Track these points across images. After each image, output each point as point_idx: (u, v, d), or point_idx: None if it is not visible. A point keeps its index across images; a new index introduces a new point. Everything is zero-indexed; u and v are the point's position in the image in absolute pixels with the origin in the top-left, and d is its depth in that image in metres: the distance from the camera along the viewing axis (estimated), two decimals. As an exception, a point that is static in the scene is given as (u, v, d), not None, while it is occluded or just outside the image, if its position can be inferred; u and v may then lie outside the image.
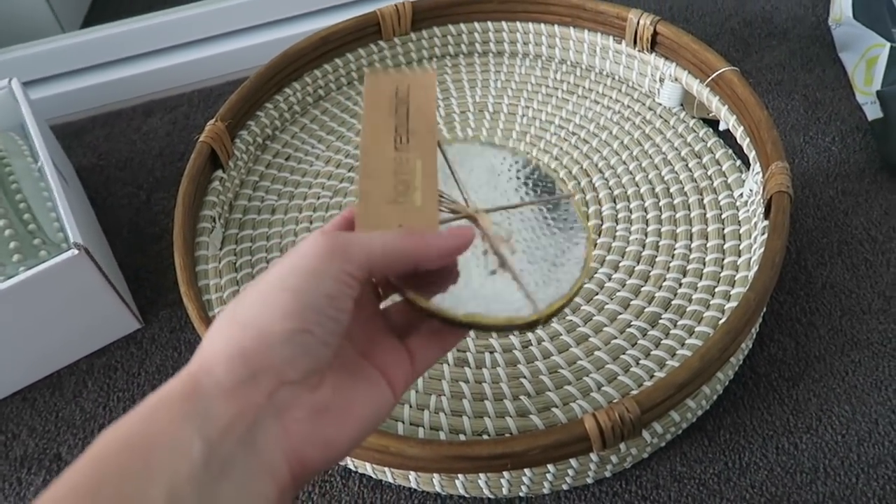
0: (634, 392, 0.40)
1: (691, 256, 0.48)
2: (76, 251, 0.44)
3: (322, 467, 0.24)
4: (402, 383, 0.28)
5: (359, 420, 0.25)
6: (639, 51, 0.57)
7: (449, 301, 0.28)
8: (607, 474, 0.42)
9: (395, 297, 0.30)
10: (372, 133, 0.31)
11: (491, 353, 0.45)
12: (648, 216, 0.51)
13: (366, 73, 0.36)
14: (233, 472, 0.21)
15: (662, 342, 0.44)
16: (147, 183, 0.62)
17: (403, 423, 0.42)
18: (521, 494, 0.41)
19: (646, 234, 0.50)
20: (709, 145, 0.55)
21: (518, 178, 0.34)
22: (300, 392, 0.23)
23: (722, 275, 0.47)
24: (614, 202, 0.52)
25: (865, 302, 0.48)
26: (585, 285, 0.48)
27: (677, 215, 0.51)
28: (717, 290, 0.46)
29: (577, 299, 0.47)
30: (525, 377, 0.43)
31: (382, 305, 0.30)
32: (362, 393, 0.26)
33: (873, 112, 0.57)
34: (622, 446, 0.38)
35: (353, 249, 0.24)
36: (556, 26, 0.61)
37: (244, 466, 0.21)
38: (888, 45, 0.55)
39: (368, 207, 0.29)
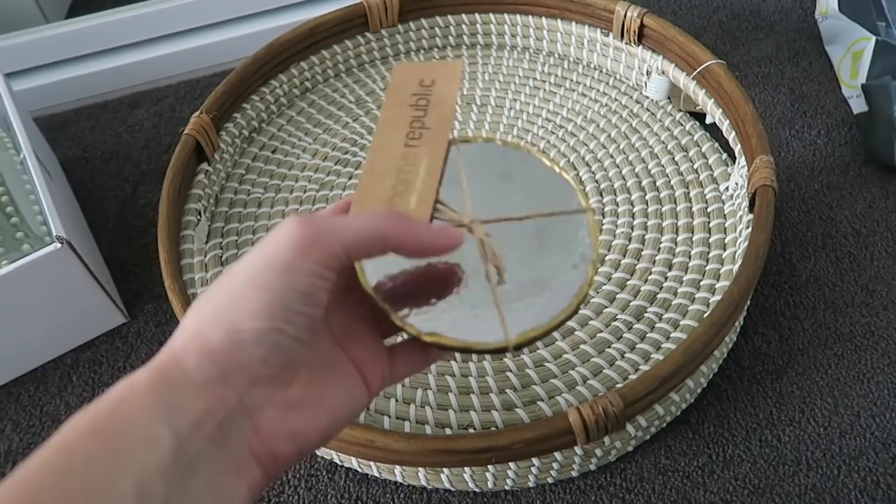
0: (619, 385, 0.41)
1: (677, 250, 0.49)
2: (59, 244, 0.43)
3: (295, 459, 0.24)
4: (378, 384, 0.27)
5: (331, 413, 0.25)
6: (626, 43, 0.57)
7: (417, 315, 0.27)
8: (592, 467, 0.42)
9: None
10: (386, 126, 0.30)
11: (466, 355, 0.45)
12: (635, 209, 0.51)
13: (394, 65, 0.33)
14: (202, 468, 0.21)
15: (647, 336, 0.44)
16: (133, 175, 0.62)
17: (389, 417, 0.42)
18: (506, 488, 0.42)
19: (632, 228, 0.50)
20: (695, 139, 0.55)
21: (533, 185, 0.30)
22: (271, 390, 0.23)
23: (707, 268, 0.47)
24: (601, 195, 0.52)
25: (849, 295, 0.48)
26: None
27: (663, 209, 0.51)
28: (702, 283, 0.47)
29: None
30: (511, 371, 0.44)
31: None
32: (335, 386, 0.25)
33: (859, 105, 0.57)
34: (606, 440, 0.38)
35: (326, 238, 0.23)
36: (543, 18, 0.61)
37: (213, 463, 0.21)
38: (874, 38, 0.55)
39: (362, 207, 0.28)
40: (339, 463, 0.43)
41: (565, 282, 0.28)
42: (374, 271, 0.27)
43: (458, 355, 0.44)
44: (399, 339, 0.29)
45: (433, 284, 0.28)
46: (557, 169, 0.30)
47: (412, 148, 0.29)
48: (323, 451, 0.43)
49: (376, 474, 0.42)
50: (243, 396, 0.22)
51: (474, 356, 0.44)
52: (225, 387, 0.22)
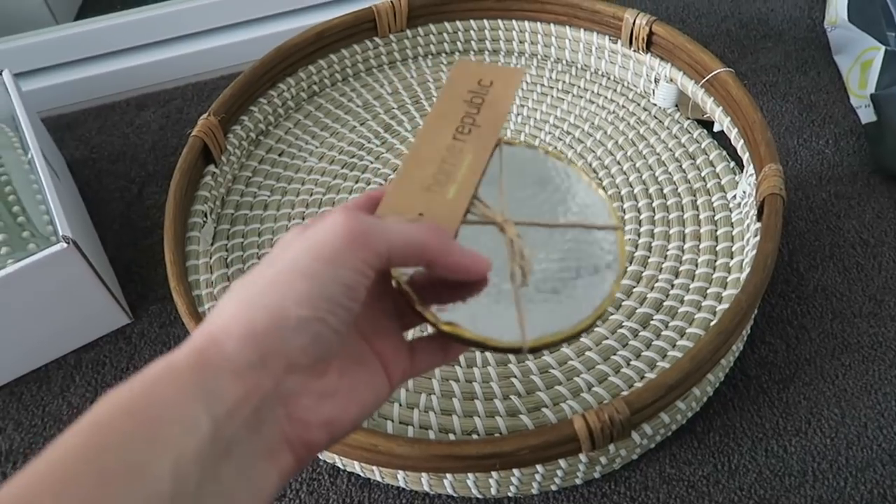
0: (625, 393, 0.40)
1: (684, 258, 0.48)
2: (65, 244, 0.43)
3: (326, 447, 0.24)
4: (399, 377, 0.27)
5: (360, 404, 0.25)
6: (634, 51, 0.57)
7: (439, 307, 0.27)
8: (596, 475, 0.42)
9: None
10: (437, 117, 0.31)
11: (482, 351, 0.45)
12: (642, 217, 0.51)
13: (457, 60, 0.34)
14: (236, 453, 0.20)
15: (653, 343, 0.44)
16: (139, 177, 0.62)
17: (393, 421, 0.42)
18: (509, 494, 0.41)
19: (639, 235, 0.50)
20: (703, 146, 0.55)
21: (569, 196, 0.31)
22: (307, 379, 0.23)
23: (714, 276, 0.47)
24: (608, 202, 0.52)
25: (856, 305, 0.48)
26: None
27: (670, 216, 0.51)
28: (708, 291, 0.46)
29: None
30: (516, 377, 0.43)
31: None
32: (364, 378, 0.25)
33: (867, 115, 0.57)
34: (611, 447, 0.38)
35: (374, 238, 0.23)
36: (552, 25, 0.61)
37: (247, 449, 0.21)
38: (883, 48, 0.55)
39: (401, 189, 0.28)
40: (342, 467, 0.43)
41: (588, 293, 0.28)
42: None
43: (464, 359, 0.44)
44: (418, 334, 0.29)
45: (461, 284, 0.28)
46: (594, 185, 0.31)
47: (459, 142, 0.30)
48: (326, 456, 0.43)
49: (379, 479, 0.42)
50: (280, 383, 0.22)
51: (488, 354, 0.44)
52: (263, 373, 0.22)
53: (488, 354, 0.44)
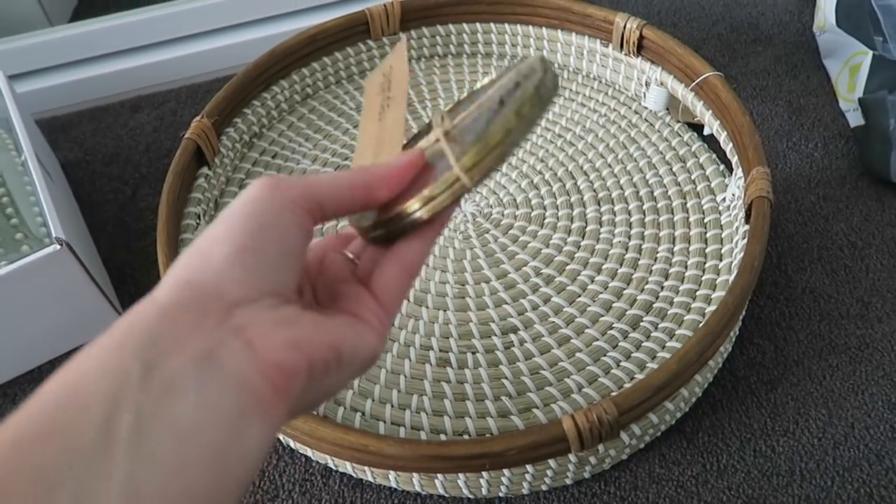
0: (614, 394, 0.41)
1: (673, 260, 0.49)
2: (58, 246, 0.44)
3: (304, 373, 0.22)
4: (375, 320, 0.26)
5: (334, 333, 0.23)
6: (625, 54, 0.58)
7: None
8: (586, 475, 0.42)
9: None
10: (365, 120, 0.33)
11: (473, 353, 0.45)
12: (632, 219, 0.51)
13: (366, 78, 0.36)
14: (185, 387, 0.19)
15: (643, 345, 0.45)
16: (133, 179, 0.62)
17: (385, 422, 0.42)
18: (500, 495, 0.42)
19: (629, 237, 0.50)
20: (693, 149, 0.55)
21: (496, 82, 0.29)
22: (256, 310, 0.22)
23: (703, 278, 0.47)
24: (598, 205, 0.53)
25: (844, 307, 0.49)
26: (567, 285, 0.48)
27: (660, 219, 0.51)
28: (698, 293, 0.47)
29: (559, 300, 0.47)
30: (507, 378, 0.44)
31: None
32: (332, 323, 0.24)
33: (855, 119, 0.58)
34: (600, 448, 0.38)
35: (291, 182, 0.24)
36: (543, 28, 0.61)
37: (200, 382, 0.20)
38: (871, 52, 0.56)
39: None
40: (334, 468, 0.43)
41: (511, 100, 0.26)
42: None
43: (455, 360, 0.45)
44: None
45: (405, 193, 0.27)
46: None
47: (383, 120, 0.31)
48: (318, 456, 0.43)
49: (371, 479, 0.42)
50: (225, 320, 0.21)
51: (479, 356, 0.44)
52: (202, 312, 0.21)
53: (480, 356, 0.45)
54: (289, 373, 0.21)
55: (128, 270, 0.55)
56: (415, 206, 0.26)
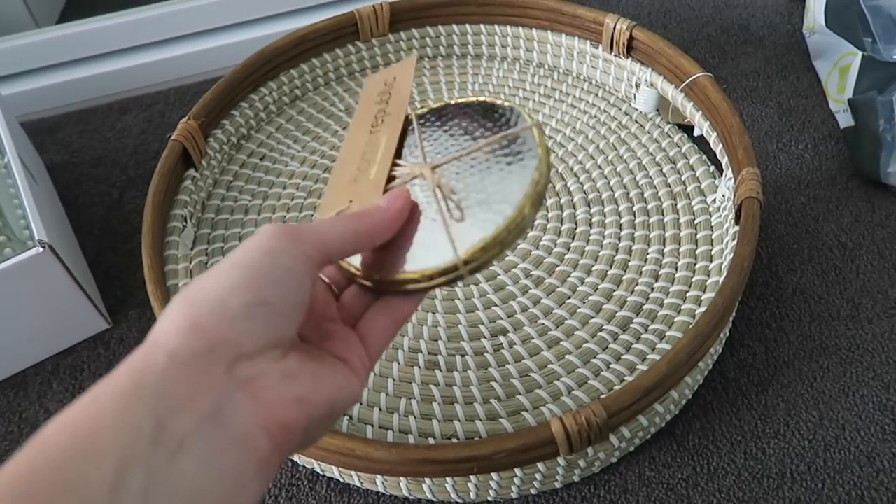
0: (604, 396, 0.40)
1: (664, 261, 0.49)
2: (41, 249, 0.43)
3: (304, 434, 0.23)
4: (361, 367, 0.26)
5: (329, 390, 0.24)
6: (615, 55, 0.58)
7: (378, 268, 0.28)
8: (576, 479, 0.42)
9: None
10: (356, 126, 0.32)
11: (462, 356, 0.45)
12: (622, 220, 0.51)
13: (367, 77, 0.36)
14: (195, 448, 0.19)
15: (633, 346, 0.44)
16: (120, 181, 0.61)
17: (373, 426, 0.42)
18: (489, 499, 0.41)
19: (619, 239, 0.50)
20: (683, 150, 0.55)
21: (479, 123, 0.31)
22: (263, 363, 0.22)
23: (694, 280, 0.47)
24: (588, 206, 0.52)
25: (834, 308, 0.49)
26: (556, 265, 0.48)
27: (651, 220, 0.51)
28: (688, 294, 0.47)
29: (549, 301, 0.47)
30: (496, 381, 0.43)
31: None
32: (326, 373, 0.25)
33: (845, 120, 0.58)
34: (590, 450, 0.38)
35: (305, 233, 0.24)
36: (533, 30, 0.61)
37: (207, 441, 0.20)
38: (860, 53, 0.56)
39: (331, 191, 0.30)
40: (321, 472, 0.43)
41: (510, 191, 0.28)
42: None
43: (444, 363, 0.44)
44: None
45: (398, 240, 0.28)
46: (501, 101, 0.31)
47: (375, 134, 0.31)
48: (304, 461, 0.42)
49: (358, 484, 0.42)
50: (232, 370, 0.21)
51: (468, 358, 0.44)
52: (211, 361, 0.21)
53: (469, 359, 0.44)
54: (291, 430, 0.22)
55: (114, 273, 0.54)
56: (413, 277, 0.27)
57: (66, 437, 0.19)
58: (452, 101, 0.32)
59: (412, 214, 0.29)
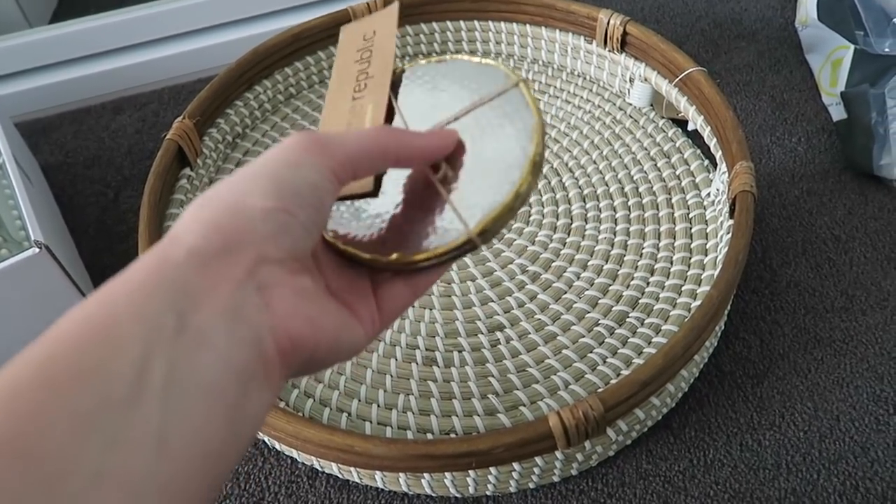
0: (601, 390, 0.41)
1: (659, 255, 0.49)
2: (37, 249, 0.43)
3: (310, 354, 0.22)
4: (370, 326, 0.26)
5: (337, 324, 0.24)
6: (609, 51, 0.58)
7: (384, 248, 0.27)
8: (574, 472, 0.42)
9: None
10: (335, 87, 0.30)
11: (459, 351, 0.45)
12: (617, 215, 0.51)
13: (341, 28, 0.33)
14: (212, 341, 0.19)
15: (629, 340, 0.45)
16: (115, 181, 0.61)
17: (371, 422, 0.42)
18: (487, 493, 0.41)
19: (614, 234, 0.50)
20: (677, 145, 0.55)
21: (462, 84, 0.30)
22: (280, 272, 0.22)
23: (689, 273, 0.48)
24: (584, 201, 0.53)
25: (828, 300, 0.49)
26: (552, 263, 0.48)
27: (646, 214, 0.51)
28: (683, 288, 0.47)
29: (545, 297, 0.47)
30: (493, 376, 0.43)
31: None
32: (336, 311, 0.24)
33: (838, 113, 0.58)
34: (587, 444, 0.38)
35: (332, 146, 0.23)
36: (527, 26, 0.61)
37: (226, 335, 0.19)
38: (852, 47, 0.56)
39: None
40: (320, 469, 0.43)
41: (511, 154, 0.27)
42: (336, 225, 0.28)
43: (441, 359, 0.44)
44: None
45: (394, 216, 0.27)
46: (479, 59, 0.30)
47: (358, 100, 0.29)
48: (303, 458, 0.43)
49: (357, 480, 0.42)
50: (252, 273, 0.21)
51: (465, 354, 0.44)
52: (231, 260, 0.20)
53: (466, 354, 0.45)
54: (297, 345, 0.22)
55: (111, 273, 0.54)
56: (424, 258, 0.26)
57: (84, 327, 0.18)
58: (428, 62, 0.31)
59: (413, 190, 0.28)
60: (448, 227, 0.26)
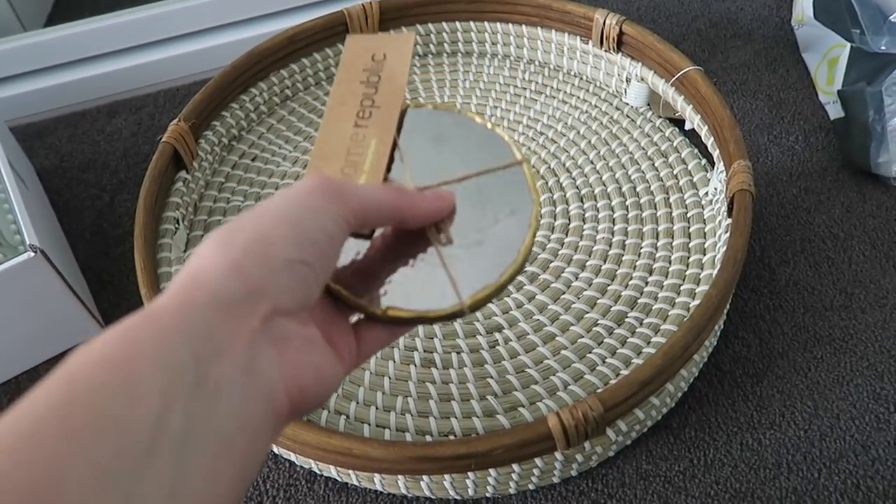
0: (600, 390, 0.40)
1: (657, 255, 0.49)
2: (32, 253, 0.43)
3: (315, 399, 0.23)
4: (348, 361, 0.26)
5: (335, 367, 0.24)
6: (605, 51, 0.58)
7: (371, 295, 0.27)
8: (573, 473, 0.42)
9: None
10: (336, 105, 0.30)
11: (458, 353, 0.45)
12: (615, 215, 0.51)
13: (347, 38, 0.32)
14: (228, 394, 0.19)
15: (629, 341, 0.44)
16: (111, 185, 0.61)
17: (370, 425, 0.42)
18: (487, 495, 0.41)
19: (612, 234, 0.50)
20: (675, 144, 0.55)
21: (468, 144, 0.30)
22: (292, 324, 0.22)
23: (687, 273, 0.47)
24: (581, 201, 0.52)
25: (827, 299, 0.49)
26: (547, 280, 0.48)
27: (644, 214, 0.51)
28: (682, 288, 0.47)
29: (543, 297, 0.47)
30: (492, 377, 0.43)
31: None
32: (328, 353, 0.25)
33: (835, 111, 0.58)
34: (587, 445, 0.38)
35: (348, 195, 0.24)
36: (523, 26, 0.61)
37: (242, 389, 0.20)
38: (848, 45, 0.56)
39: None
40: (319, 472, 0.43)
41: (510, 235, 0.28)
42: None
43: (440, 360, 0.44)
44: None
45: (388, 266, 0.28)
46: (490, 126, 0.31)
47: (362, 128, 0.29)
48: (301, 461, 0.42)
49: (356, 483, 0.42)
50: (268, 323, 0.21)
51: (464, 355, 0.44)
52: (249, 308, 0.20)
53: (465, 356, 0.44)
54: (307, 396, 0.22)
55: (107, 277, 0.54)
56: (415, 317, 0.27)
57: (100, 371, 0.17)
58: (434, 107, 0.31)
59: (410, 241, 0.28)
60: (442, 292, 0.27)
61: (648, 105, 0.58)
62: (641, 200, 0.52)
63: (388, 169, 0.29)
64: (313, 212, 0.23)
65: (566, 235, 0.50)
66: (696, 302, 0.45)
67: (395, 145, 0.30)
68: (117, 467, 0.16)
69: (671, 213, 0.51)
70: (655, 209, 0.51)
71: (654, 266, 0.48)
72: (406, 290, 0.27)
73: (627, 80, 0.58)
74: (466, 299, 0.27)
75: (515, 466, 0.38)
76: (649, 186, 0.53)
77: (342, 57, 0.31)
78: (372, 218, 0.25)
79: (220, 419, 0.19)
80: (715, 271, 0.46)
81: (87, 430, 0.16)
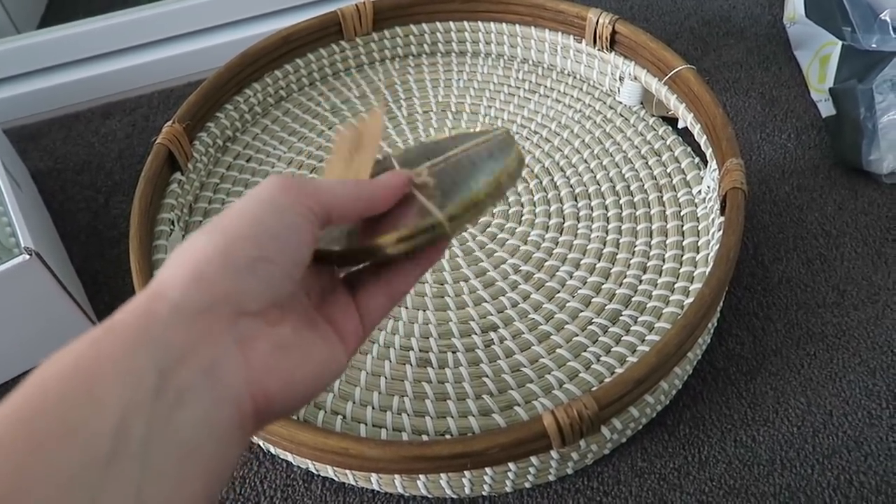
0: (595, 389, 0.41)
1: (651, 253, 0.49)
2: (27, 256, 0.43)
3: (283, 407, 0.23)
4: (353, 340, 0.27)
5: (317, 366, 0.24)
6: (598, 50, 0.58)
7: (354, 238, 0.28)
8: (569, 471, 0.42)
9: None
10: (332, 162, 0.32)
11: (454, 352, 0.45)
12: (609, 214, 0.52)
13: (335, 131, 0.35)
14: (192, 401, 0.20)
15: (623, 339, 0.45)
16: (106, 186, 0.61)
17: (366, 424, 0.42)
18: (483, 494, 0.41)
19: (606, 232, 0.51)
20: (668, 143, 0.55)
21: (459, 142, 0.32)
22: (260, 325, 0.22)
23: (681, 271, 0.48)
24: (575, 200, 0.53)
25: (820, 296, 0.49)
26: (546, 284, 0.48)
27: (637, 213, 0.51)
28: (676, 286, 0.47)
29: (538, 296, 0.47)
30: (488, 376, 0.44)
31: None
32: (318, 341, 0.25)
33: (827, 109, 0.58)
34: (582, 443, 0.38)
35: (308, 189, 0.24)
36: (517, 26, 0.61)
37: (205, 395, 0.20)
38: (840, 43, 0.56)
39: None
40: (316, 472, 0.43)
41: (488, 170, 0.28)
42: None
43: (436, 360, 0.44)
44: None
45: (369, 222, 0.28)
46: (478, 127, 0.32)
47: (352, 161, 0.31)
48: (298, 461, 0.42)
49: (353, 483, 0.42)
50: (232, 326, 0.21)
51: (459, 354, 0.44)
52: (213, 317, 0.21)
53: (460, 355, 0.45)
54: (273, 400, 0.22)
55: (102, 279, 0.54)
56: (390, 242, 0.27)
57: (67, 382, 0.18)
58: (439, 137, 0.33)
59: (399, 208, 0.29)
60: (421, 214, 0.27)
61: (641, 104, 0.58)
62: (635, 199, 0.52)
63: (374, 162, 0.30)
64: (273, 206, 0.23)
65: (560, 234, 0.51)
66: (690, 300, 0.46)
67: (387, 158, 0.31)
68: (83, 474, 0.17)
69: (664, 211, 0.51)
70: (649, 207, 0.52)
71: (648, 264, 0.48)
72: (388, 228, 0.27)
73: (620, 79, 0.58)
74: (444, 213, 0.27)
75: (511, 465, 0.38)
76: (643, 185, 0.53)
77: (335, 144, 0.33)
78: (338, 209, 0.25)
79: (183, 425, 0.19)
80: (708, 269, 0.46)
81: (53, 439, 0.17)
